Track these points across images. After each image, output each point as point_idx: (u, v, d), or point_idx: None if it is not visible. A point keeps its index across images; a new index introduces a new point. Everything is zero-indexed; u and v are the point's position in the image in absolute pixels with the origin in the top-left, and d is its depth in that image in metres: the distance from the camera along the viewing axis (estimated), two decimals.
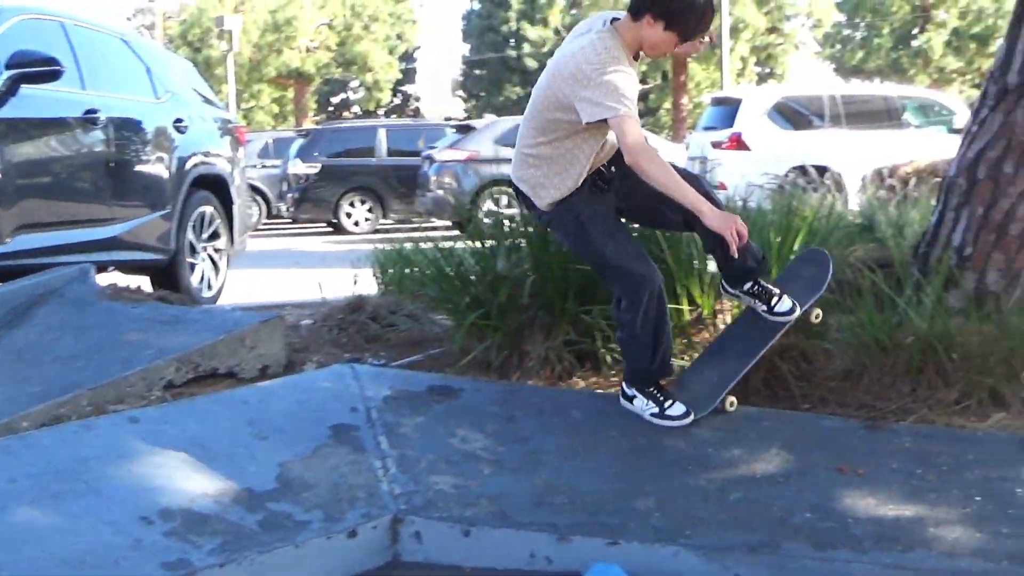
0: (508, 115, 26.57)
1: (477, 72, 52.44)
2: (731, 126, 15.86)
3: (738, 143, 15.51)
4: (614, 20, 4.52)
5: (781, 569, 3.61)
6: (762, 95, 17.28)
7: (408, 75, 55.13)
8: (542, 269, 5.33)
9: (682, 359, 5.19)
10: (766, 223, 5.67)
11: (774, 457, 4.38)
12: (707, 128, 16.77)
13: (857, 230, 6.61)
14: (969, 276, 5.43)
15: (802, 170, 11.29)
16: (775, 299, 4.80)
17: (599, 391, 5.18)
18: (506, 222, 5.91)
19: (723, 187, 11.84)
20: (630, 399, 4.71)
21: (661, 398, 4.66)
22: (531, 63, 45.83)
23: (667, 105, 44.65)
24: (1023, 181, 5.37)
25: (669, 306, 5.09)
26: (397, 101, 55.40)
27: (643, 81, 45.13)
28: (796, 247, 5.41)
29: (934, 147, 12.85)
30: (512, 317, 5.31)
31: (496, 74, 50.05)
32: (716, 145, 15.64)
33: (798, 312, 4.82)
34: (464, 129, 19.40)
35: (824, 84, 21.82)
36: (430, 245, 6.07)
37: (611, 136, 4.53)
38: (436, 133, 20.83)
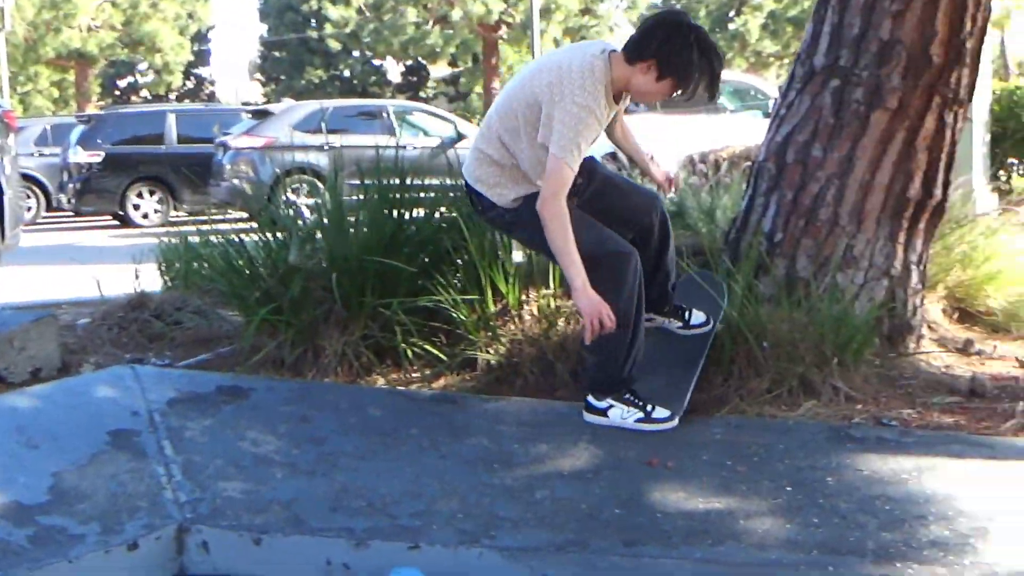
0: (309, 99, 26.36)
1: (276, 54, 51.88)
2: None
3: None
4: (613, 52, 4.53)
5: (590, 568, 3.65)
6: None
7: (201, 57, 54.29)
8: (338, 260, 5.30)
9: (488, 352, 5.23)
10: None
11: (583, 452, 4.44)
12: None
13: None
14: (779, 262, 5.58)
15: (612, 156, 11.46)
16: (687, 314, 5.03)
17: (400, 388, 5.18)
18: (306, 211, 5.87)
19: None
20: (602, 412, 4.70)
21: (641, 403, 4.69)
22: (334, 44, 45.56)
23: (478, 89, 44.91)
24: (832, 164, 5.55)
25: (472, 297, 5.15)
26: (190, 85, 54.53)
27: (452, 64, 45.33)
28: None
29: (750, 132, 13.17)
30: (306, 311, 5.27)
31: (296, 56, 49.59)
32: None
33: (712, 324, 5.02)
34: (261, 114, 19.14)
35: None
36: (219, 237, 5.98)
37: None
38: (231, 119, 20.46)
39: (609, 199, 4.71)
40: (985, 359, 5.78)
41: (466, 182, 4.77)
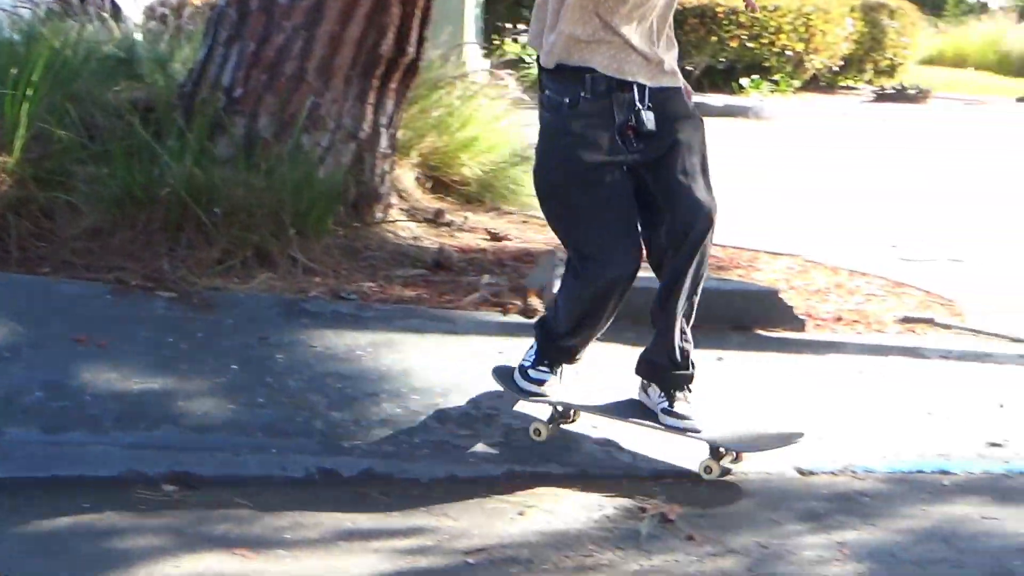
0: None
1: None
2: None
3: None
4: None
5: (5, 458, 3.62)
6: None
7: None
8: None
9: None
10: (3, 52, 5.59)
11: (1, 329, 4.38)
12: None
13: (116, 64, 6.59)
14: (238, 120, 5.62)
15: None
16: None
17: None
18: None
19: None
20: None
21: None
22: None
23: None
24: (299, 14, 5.61)
25: None
26: None
27: None
28: (35, 77, 5.33)
29: None
30: None
31: None
32: None
33: None
34: None
35: None
36: None
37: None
38: None
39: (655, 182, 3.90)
40: (456, 230, 6.10)
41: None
